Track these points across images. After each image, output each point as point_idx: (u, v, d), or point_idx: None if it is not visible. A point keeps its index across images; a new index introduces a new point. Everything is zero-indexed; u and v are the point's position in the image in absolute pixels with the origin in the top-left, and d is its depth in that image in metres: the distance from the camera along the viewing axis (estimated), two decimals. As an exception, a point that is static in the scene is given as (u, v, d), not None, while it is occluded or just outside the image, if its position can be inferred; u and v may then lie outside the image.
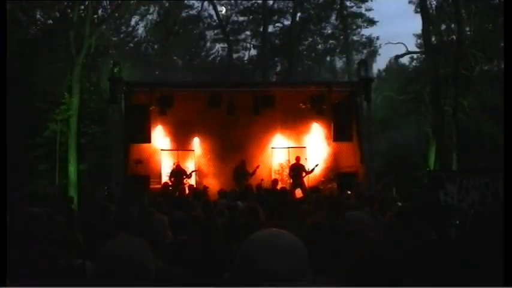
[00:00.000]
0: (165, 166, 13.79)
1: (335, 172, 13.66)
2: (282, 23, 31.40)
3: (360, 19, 31.10)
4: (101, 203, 8.47)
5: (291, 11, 30.54)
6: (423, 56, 25.15)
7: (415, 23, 27.53)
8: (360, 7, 30.68)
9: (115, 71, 12.67)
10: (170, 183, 12.46)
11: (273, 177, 13.68)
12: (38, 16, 20.59)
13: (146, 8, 24.23)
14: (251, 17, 31.14)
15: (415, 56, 28.02)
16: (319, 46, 32.79)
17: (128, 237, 1.55)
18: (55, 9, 19.49)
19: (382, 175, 15.52)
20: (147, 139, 13.26)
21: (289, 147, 14.36)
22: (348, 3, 30.70)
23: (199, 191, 10.75)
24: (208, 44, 32.64)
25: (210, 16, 30.97)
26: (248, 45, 32.27)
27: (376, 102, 21.62)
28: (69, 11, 19.04)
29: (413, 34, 27.87)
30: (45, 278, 3.31)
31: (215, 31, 31.74)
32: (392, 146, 23.75)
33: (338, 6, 30.63)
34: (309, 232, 3.72)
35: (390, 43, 33.76)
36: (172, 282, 2.81)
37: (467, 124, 21.44)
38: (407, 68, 29.31)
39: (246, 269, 1.22)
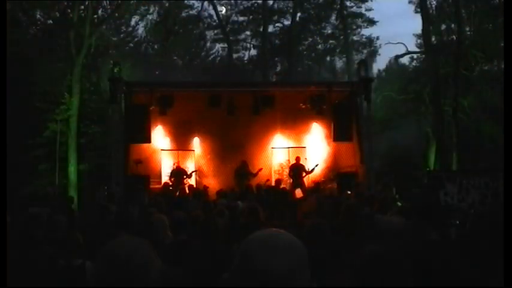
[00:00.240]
0: (165, 166, 13.79)
1: (335, 172, 13.66)
2: (282, 23, 31.44)
3: (360, 19, 31.12)
4: (101, 203, 8.47)
5: (291, 11, 30.55)
6: (423, 56, 25.15)
7: (415, 23, 27.58)
8: (360, 7, 30.73)
9: (115, 71, 12.67)
10: (170, 183, 12.45)
11: (273, 177, 13.69)
12: (38, 16, 20.59)
13: (146, 8, 24.24)
14: (251, 17, 31.14)
15: (415, 56, 28.05)
16: (319, 46, 32.81)
17: (129, 237, 1.54)
18: (55, 9, 19.48)
19: (382, 175, 15.51)
20: (147, 139, 13.26)
21: (289, 147, 14.36)
22: (348, 3, 30.72)
23: (199, 191, 10.75)
24: (208, 44, 32.69)
25: (210, 16, 31.03)
26: (248, 45, 32.32)
27: (376, 102, 21.64)
28: (69, 11, 19.04)
29: (413, 34, 27.93)
30: (46, 278, 3.31)
31: (215, 31, 31.76)
32: (392, 146, 23.75)
33: (338, 6, 30.64)
34: (308, 232, 3.71)
35: (390, 43, 33.85)
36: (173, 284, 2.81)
37: (467, 124, 21.44)
38: (407, 68, 29.32)
39: (245, 269, 1.21)
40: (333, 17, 31.38)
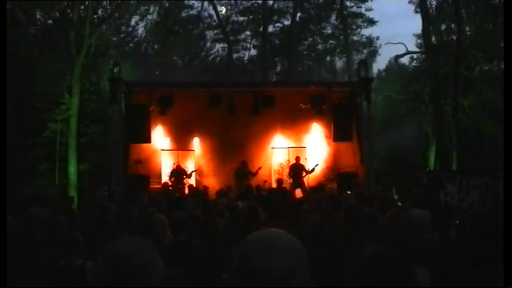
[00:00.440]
0: (165, 166, 13.79)
1: (335, 172, 13.66)
2: (282, 23, 31.43)
3: (360, 19, 31.10)
4: (101, 203, 8.47)
5: (291, 11, 30.54)
6: (423, 56, 25.14)
7: (415, 23, 27.56)
8: (360, 7, 30.71)
9: (115, 71, 12.68)
10: (170, 183, 12.46)
11: (273, 177, 13.69)
12: (38, 16, 20.60)
13: (146, 8, 24.23)
14: (251, 17, 31.13)
15: (415, 56, 28.03)
16: (319, 46, 32.79)
17: (132, 237, 1.54)
18: (55, 9, 19.48)
19: (382, 175, 15.51)
20: (147, 139, 13.26)
21: (289, 147, 14.36)
22: (348, 3, 30.71)
23: (199, 191, 10.75)
24: (208, 44, 32.67)
25: (210, 16, 31.01)
26: (248, 45, 32.30)
27: (376, 102, 21.62)
28: (69, 11, 19.04)
29: (413, 34, 27.88)
30: (46, 278, 3.31)
31: (215, 31, 31.74)
32: (392, 146, 23.74)
33: (338, 6, 30.63)
34: (308, 232, 3.71)
35: (390, 43, 33.78)
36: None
37: (467, 124, 21.44)
38: (407, 68, 29.31)
39: (244, 269, 1.21)
40: (333, 17, 31.37)
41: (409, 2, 26.21)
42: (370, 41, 31.80)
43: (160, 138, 13.90)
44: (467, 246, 2.87)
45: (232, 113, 13.33)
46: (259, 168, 13.22)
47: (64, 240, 3.87)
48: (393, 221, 3.99)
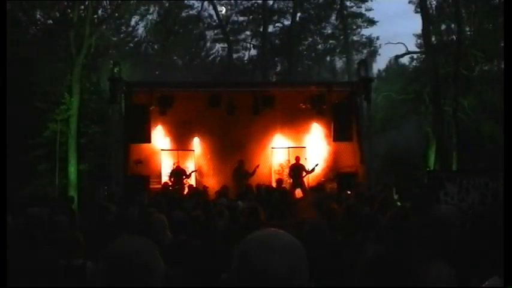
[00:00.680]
0: (165, 166, 13.79)
1: (335, 172, 13.66)
2: (282, 23, 31.44)
3: (360, 19, 31.11)
4: (101, 203, 8.47)
5: (291, 11, 30.54)
6: (423, 56, 25.15)
7: (415, 23, 27.50)
8: (360, 7, 30.72)
9: (115, 71, 12.68)
10: (170, 183, 12.46)
11: (273, 177, 13.68)
12: (38, 16, 20.59)
13: (146, 8, 24.22)
14: (251, 17, 31.14)
15: (415, 56, 28.04)
16: (319, 46, 32.80)
17: (134, 237, 1.54)
18: (55, 9, 19.48)
19: (382, 175, 15.52)
20: (147, 139, 13.26)
21: (289, 147, 14.36)
22: (348, 3, 30.72)
23: (199, 191, 10.75)
24: (208, 44, 32.69)
25: (210, 16, 31.03)
26: (248, 45, 32.31)
27: (376, 102, 21.62)
28: (69, 11, 19.04)
29: (413, 34, 27.88)
30: (46, 278, 3.31)
31: (215, 31, 31.76)
32: (392, 146, 23.76)
33: (338, 6, 30.63)
34: (308, 232, 3.71)
35: (390, 43, 33.73)
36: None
37: (467, 124, 21.45)
38: (407, 68, 29.31)
39: (244, 269, 1.21)
40: (333, 17, 31.38)
41: (409, 2, 26.24)
42: (370, 41, 31.82)
43: (160, 138, 13.90)
44: (467, 246, 2.87)
45: (232, 113, 13.32)
46: (257, 166, 13.22)
47: (64, 240, 3.87)
48: (419, 218, 3.88)
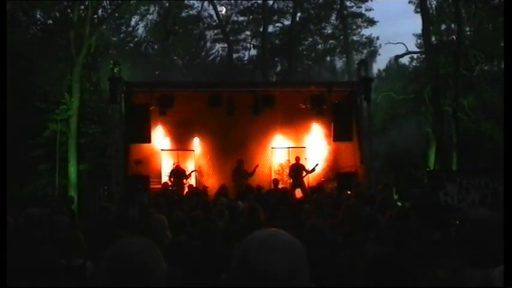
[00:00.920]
0: (165, 166, 13.79)
1: (335, 172, 13.67)
2: (282, 23, 31.43)
3: (360, 19, 31.10)
4: (101, 203, 8.48)
5: (291, 11, 30.54)
6: (423, 56, 25.15)
7: (415, 23, 27.51)
8: (360, 7, 30.72)
9: (115, 71, 12.68)
10: (170, 183, 12.45)
11: (273, 177, 13.68)
12: (38, 16, 20.59)
13: (146, 8, 24.22)
14: (251, 17, 31.14)
15: (415, 56, 28.04)
16: (319, 46, 32.78)
17: (135, 238, 1.54)
18: (55, 9, 19.47)
19: (382, 175, 15.52)
20: (147, 139, 13.26)
21: (289, 147, 14.36)
22: (348, 3, 30.71)
23: (198, 191, 10.75)
24: (208, 44, 32.70)
25: (210, 16, 31.03)
26: (248, 45, 32.32)
27: (376, 102, 21.63)
28: (69, 11, 19.02)
29: (413, 34, 27.87)
30: (46, 278, 3.31)
31: (215, 31, 31.76)
32: (392, 146, 23.75)
33: (338, 6, 30.64)
34: (308, 232, 3.72)
35: (390, 43, 33.89)
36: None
37: (467, 124, 21.44)
38: (407, 68, 29.32)
39: (244, 269, 1.21)
40: (333, 17, 31.38)
41: (409, 2, 26.23)
42: (370, 41, 31.81)
43: (160, 138, 13.90)
44: (467, 246, 2.87)
45: (232, 113, 13.33)
46: (256, 166, 13.22)
47: (64, 240, 3.87)
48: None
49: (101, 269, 1.44)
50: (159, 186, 12.58)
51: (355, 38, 31.98)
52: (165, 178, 13.27)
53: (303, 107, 13.64)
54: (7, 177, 4.90)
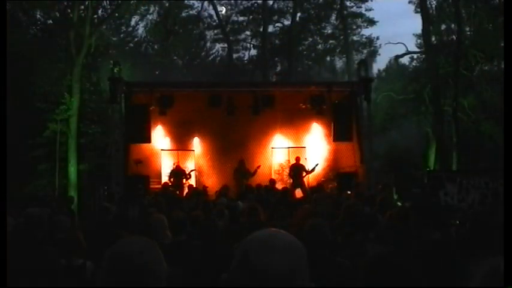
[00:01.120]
0: (165, 166, 13.79)
1: (335, 172, 13.67)
2: (282, 23, 31.43)
3: (360, 19, 31.10)
4: (101, 203, 8.48)
5: (291, 11, 30.53)
6: (423, 56, 25.14)
7: (415, 23, 27.51)
8: (360, 7, 30.72)
9: (115, 71, 12.69)
10: (170, 183, 12.45)
11: (273, 177, 13.68)
12: (38, 16, 20.59)
13: (146, 8, 24.22)
14: (251, 17, 31.13)
15: (415, 56, 28.03)
16: (319, 46, 32.78)
17: (136, 238, 1.54)
18: (55, 9, 19.47)
19: (382, 175, 15.52)
20: (147, 139, 13.27)
21: (289, 147, 14.36)
22: (348, 3, 30.71)
23: (198, 191, 10.75)
24: (208, 44, 32.69)
25: (210, 16, 31.03)
26: (248, 45, 32.31)
27: (376, 102, 21.63)
28: (69, 11, 19.02)
29: (413, 34, 27.86)
30: (46, 278, 3.31)
31: (215, 31, 31.75)
32: (392, 146, 23.75)
33: (338, 6, 30.63)
34: (308, 232, 3.71)
35: (390, 43, 33.87)
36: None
37: (467, 124, 21.44)
38: (407, 68, 29.31)
39: (244, 269, 1.21)
40: (333, 17, 31.38)
41: (409, 2, 26.23)
42: (370, 41, 31.80)
43: (160, 138, 13.90)
44: (467, 246, 2.87)
45: (232, 113, 13.33)
46: (258, 166, 13.23)
47: (64, 240, 3.87)
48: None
49: (101, 269, 1.44)
50: (159, 186, 12.57)
51: (355, 38, 31.99)
52: (165, 178, 13.27)
53: (303, 107, 13.64)
54: (7, 177, 4.90)
